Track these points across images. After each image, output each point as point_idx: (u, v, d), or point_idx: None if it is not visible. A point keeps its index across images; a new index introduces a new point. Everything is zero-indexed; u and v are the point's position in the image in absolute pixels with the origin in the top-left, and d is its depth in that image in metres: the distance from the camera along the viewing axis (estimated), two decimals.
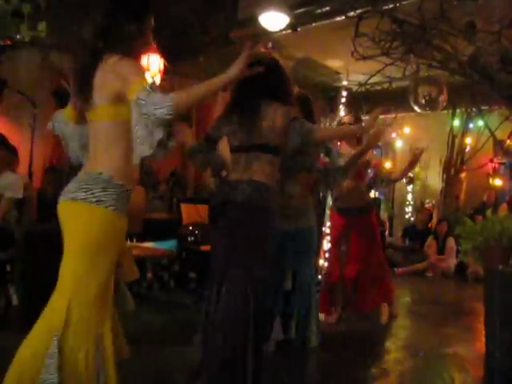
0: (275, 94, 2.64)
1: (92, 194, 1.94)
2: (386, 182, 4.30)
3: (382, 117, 8.08)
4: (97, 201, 1.94)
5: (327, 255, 5.38)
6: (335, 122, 7.53)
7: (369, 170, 4.35)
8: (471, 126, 8.86)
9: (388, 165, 8.74)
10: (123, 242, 2.14)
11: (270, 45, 6.31)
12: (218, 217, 2.67)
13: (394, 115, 8.15)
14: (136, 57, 2.10)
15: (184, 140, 2.87)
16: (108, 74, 1.98)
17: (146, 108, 1.82)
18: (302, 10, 5.85)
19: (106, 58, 1.99)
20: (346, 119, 4.34)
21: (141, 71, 2.01)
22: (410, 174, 9.83)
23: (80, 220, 1.97)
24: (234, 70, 1.97)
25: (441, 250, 7.76)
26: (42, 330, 1.91)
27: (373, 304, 4.39)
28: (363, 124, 3.11)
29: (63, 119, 2.22)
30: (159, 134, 1.88)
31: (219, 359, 2.42)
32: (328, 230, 5.45)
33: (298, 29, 6.03)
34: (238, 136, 2.66)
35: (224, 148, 2.83)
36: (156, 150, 1.95)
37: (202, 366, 2.53)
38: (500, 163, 9.13)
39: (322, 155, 3.60)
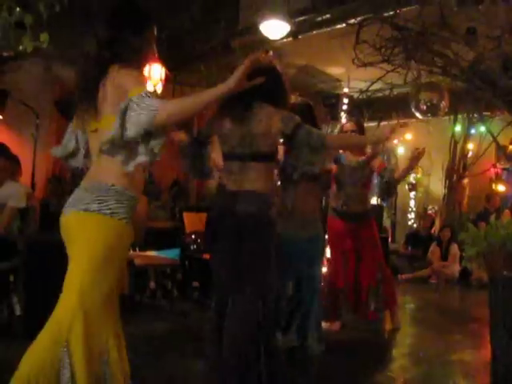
0: (269, 97, 2.53)
1: (106, 205, 1.93)
2: (391, 181, 4.19)
3: (384, 123, 8.05)
4: (111, 213, 1.93)
5: (326, 262, 5.35)
6: (336, 130, 7.55)
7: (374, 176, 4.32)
8: (473, 131, 8.85)
9: None
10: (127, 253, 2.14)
11: (270, 53, 6.34)
12: (219, 229, 2.59)
13: (395, 121, 8.15)
14: (140, 67, 2.11)
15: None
16: (111, 85, 1.99)
17: (134, 110, 1.82)
18: (302, 17, 5.87)
19: (111, 69, 2.00)
20: (348, 126, 4.29)
21: (142, 81, 2.01)
22: (413, 181, 9.83)
23: (93, 231, 1.94)
24: (233, 81, 1.96)
25: (444, 257, 7.73)
26: (48, 341, 1.88)
27: (376, 312, 4.32)
28: (371, 134, 3.04)
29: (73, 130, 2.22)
30: (131, 133, 1.85)
31: (232, 373, 2.40)
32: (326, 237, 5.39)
33: (299, 37, 6.05)
34: (231, 142, 2.56)
35: (216, 153, 2.75)
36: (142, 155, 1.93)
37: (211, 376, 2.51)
38: (503, 168, 9.12)
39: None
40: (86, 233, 1.96)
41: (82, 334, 1.87)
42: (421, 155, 4.00)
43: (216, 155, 2.74)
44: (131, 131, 1.85)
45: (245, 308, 2.46)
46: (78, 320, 1.88)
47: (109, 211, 1.93)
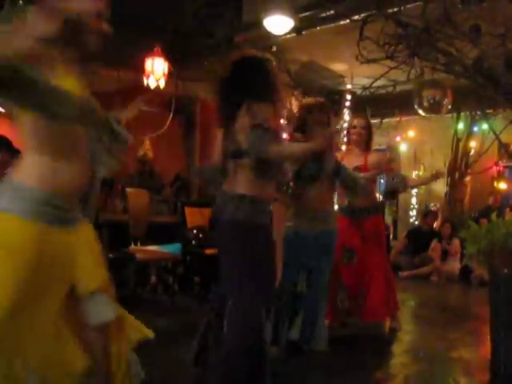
0: (257, 94, 2.46)
1: (0, 200, 1.80)
2: (402, 185, 4.20)
3: (386, 120, 8.05)
4: (5, 208, 1.78)
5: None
6: (339, 126, 7.55)
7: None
8: (475, 129, 8.83)
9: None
10: (60, 255, 1.87)
11: (274, 48, 6.33)
12: (214, 232, 2.69)
13: (398, 118, 8.18)
14: None
15: None
16: None
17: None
18: (306, 13, 5.86)
19: None
20: (356, 122, 4.25)
21: None
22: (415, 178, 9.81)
23: None
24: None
25: (445, 253, 7.73)
26: None
27: (376, 316, 4.26)
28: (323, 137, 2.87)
29: None
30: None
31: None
32: None
33: (303, 32, 6.04)
34: (221, 143, 2.60)
35: None
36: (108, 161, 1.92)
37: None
38: (505, 166, 9.11)
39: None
40: None
41: None
42: (438, 177, 4.21)
43: None
44: None
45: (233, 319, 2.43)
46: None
47: (3, 206, 1.79)
